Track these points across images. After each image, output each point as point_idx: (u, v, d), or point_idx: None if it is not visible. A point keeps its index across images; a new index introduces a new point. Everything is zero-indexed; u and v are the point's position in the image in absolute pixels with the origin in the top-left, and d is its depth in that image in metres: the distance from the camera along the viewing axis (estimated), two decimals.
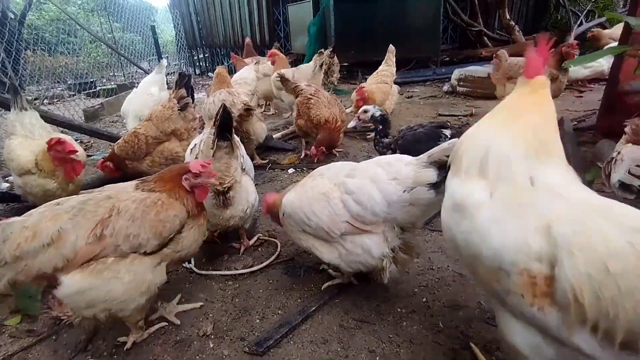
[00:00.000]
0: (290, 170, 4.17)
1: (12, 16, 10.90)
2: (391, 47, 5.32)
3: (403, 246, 1.95)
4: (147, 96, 4.98)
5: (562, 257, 1.06)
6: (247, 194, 2.47)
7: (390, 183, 1.80)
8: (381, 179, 1.82)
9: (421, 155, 1.78)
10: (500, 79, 4.91)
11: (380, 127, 3.50)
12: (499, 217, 1.21)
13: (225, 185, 2.26)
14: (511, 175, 1.25)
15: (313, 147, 4.00)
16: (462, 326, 2.00)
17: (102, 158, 3.56)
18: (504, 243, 1.16)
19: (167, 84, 5.50)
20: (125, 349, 1.93)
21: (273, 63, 5.70)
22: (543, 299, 1.11)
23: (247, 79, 4.63)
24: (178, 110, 3.40)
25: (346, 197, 1.90)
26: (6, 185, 3.96)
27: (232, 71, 11.24)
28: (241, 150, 2.49)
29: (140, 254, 1.74)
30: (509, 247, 1.15)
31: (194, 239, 1.96)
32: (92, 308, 1.67)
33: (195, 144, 2.45)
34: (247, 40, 8.02)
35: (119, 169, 3.46)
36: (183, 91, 3.43)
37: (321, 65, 5.62)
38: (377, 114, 3.48)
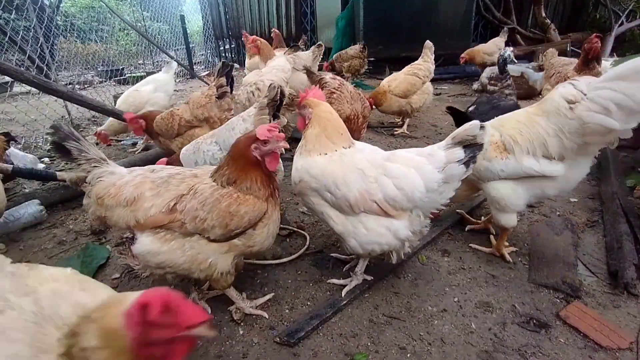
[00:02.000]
0: None
1: (47, 3, 11.21)
2: (428, 43, 5.12)
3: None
4: (133, 92, 4.95)
5: (500, 128, 2.31)
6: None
7: (433, 172, 1.90)
8: (424, 168, 1.91)
9: (447, 138, 1.96)
10: (545, 77, 4.80)
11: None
12: None
13: None
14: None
15: None
16: (495, 328, 1.95)
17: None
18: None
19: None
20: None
21: (257, 52, 5.60)
22: (504, 152, 2.22)
23: (284, 67, 4.57)
24: (215, 98, 3.42)
25: (385, 180, 1.93)
26: (42, 166, 4.09)
27: (242, 63, 11.25)
28: None
29: (205, 238, 1.79)
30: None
31: (268, 235, 1.95)
32: (160, 269, 1.82)
33: (247, 128, 2.50)
34: (275, 31, 7.99)
35: (150, 135, 3.75)
36: (223, 80, 3.44)
37: (320, 56, 5.66)
38: (505, 55, 3.60)
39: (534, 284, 2.24)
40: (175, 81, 5.11)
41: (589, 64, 4.10)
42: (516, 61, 3.79)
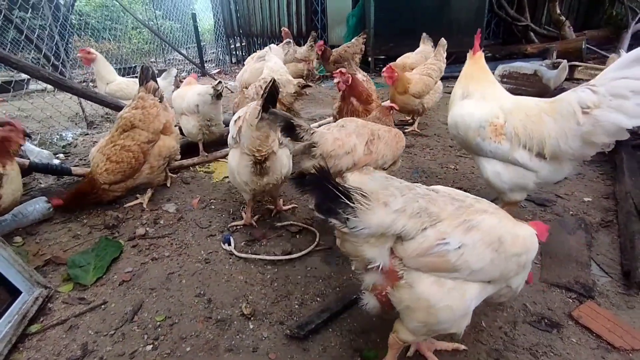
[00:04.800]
0: None
1: (61, 1, 11.38)
2: (442, 41, 5.12)
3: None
4: (131, 82, 5.17)
5: (508, 115, 2.35)
6: (281, 165, 2.61)
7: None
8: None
9: None
10: None
11: None
12: (478, 105, 2.48)
13: (262, 154, 2.42)
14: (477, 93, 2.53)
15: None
16: (506, 327, 1.94)
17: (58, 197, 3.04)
18: (482, 113, 2.42)
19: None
20: None
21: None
22: (500, 137, 2.32)
23: (284, 68, 4.62)
24: (158, 102, 3.15)
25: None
26: (57, 161, 4.17)
27: None
28: None
29: (381, 168, 2.52)
30: (485, 114, 2.40)
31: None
32: None
33: (240, 116, 2.55)
34: (285, 30, 8.02)
35: (85, 202, 3.06)
36: (153, 83, 3.16)
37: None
38: None
39: (545, 283, 2.22)
40: (172, 87, 5.12)
41: None
42: None
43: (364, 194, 1.36)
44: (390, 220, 1.36)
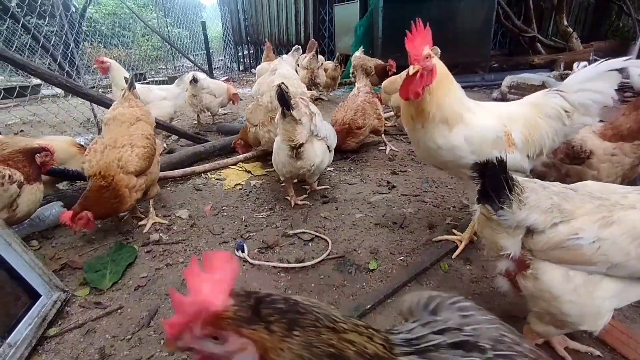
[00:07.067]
0: (330, 168, 4.20)
1: (74, 9, 11.60)
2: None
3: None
4: (144, 88, 5.19)
5: (509, 124, 2.33)
6: (315, 154, 3.08)
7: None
8: None
9: None
10: None
11: None
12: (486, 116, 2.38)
13: (295, 142, 2.90)
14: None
15: None
16: (519, 338, 1.94)
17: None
18: (495, 123, 2.35)
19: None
20: None
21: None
22: (512, 147, 2.32)
23: (295, 76, 4.71)
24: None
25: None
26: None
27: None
28: (314, 122, 3.05)
29: None
30: (497, 124, 2.33)
31: None
32: None
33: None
34: (267, 43, 8.12)
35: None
36: (136, 90, 3.48)
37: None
38: None
39: None
40: (184, 92, 5.67)
41: None
42: None
43: (523, 189, 1.48)
44: (524, 215, 1.45)
